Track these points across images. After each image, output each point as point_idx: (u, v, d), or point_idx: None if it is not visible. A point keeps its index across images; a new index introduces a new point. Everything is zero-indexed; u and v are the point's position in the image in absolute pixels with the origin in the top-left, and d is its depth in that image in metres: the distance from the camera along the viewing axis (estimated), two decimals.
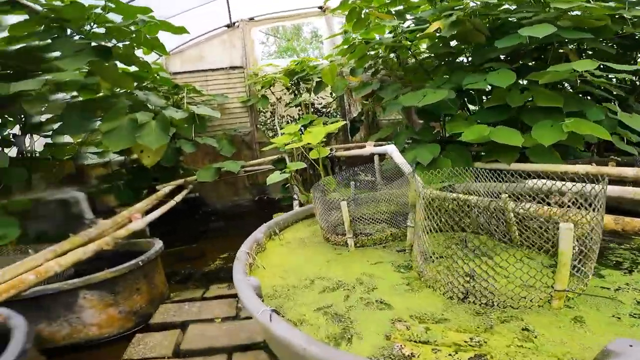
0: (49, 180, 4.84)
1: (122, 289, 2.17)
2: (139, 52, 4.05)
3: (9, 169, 3.26)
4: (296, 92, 6.49)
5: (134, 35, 3.28)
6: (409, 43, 4.20)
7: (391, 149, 2.40)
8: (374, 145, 3.33)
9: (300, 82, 6.22)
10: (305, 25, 12.88)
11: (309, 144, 3.50)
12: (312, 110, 6.16)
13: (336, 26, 6.79)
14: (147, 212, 3.41)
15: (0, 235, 2.85)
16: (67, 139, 5.21)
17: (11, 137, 3.93)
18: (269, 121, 6.63)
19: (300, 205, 3.89)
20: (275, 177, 3.05)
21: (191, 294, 2.62)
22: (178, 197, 4.03)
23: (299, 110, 6.60)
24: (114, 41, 3.34)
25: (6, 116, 3.81)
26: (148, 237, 5.15)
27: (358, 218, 2.19)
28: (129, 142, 3.13)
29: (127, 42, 3.34)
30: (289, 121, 6.53)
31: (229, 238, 4.57)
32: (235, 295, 2.51)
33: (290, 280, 1.80)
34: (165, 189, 4.04)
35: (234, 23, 6.49)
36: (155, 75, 4.74)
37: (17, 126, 3.78)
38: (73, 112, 3.28)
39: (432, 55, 4.26)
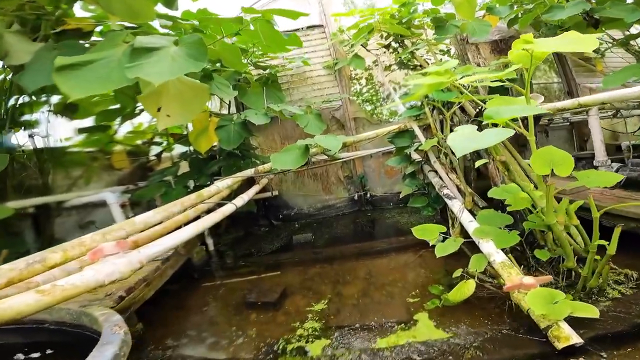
0: (87, 178, 3.55)
1: None
2: None
3: None
4: (399, 48, 4.43)
5: None
6: None
7: None
8: None
9: (403, 38, 4.18)
10: None
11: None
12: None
13: None
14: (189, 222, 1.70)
15: None
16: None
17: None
18: (365, 90, 4.67)
19: (472, 213, 1.86)
20: (479, 139, 1.06)
21: None
22: (239, 200, 2.27)
23: (406, 74, 4.57)
24: None
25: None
26: (211, 251, 3.58)
27: None
28: (108, 82, 1.40)
29: None
30: (396, 89, 4.50)
31: (325, 265, 2.69)
32: None
33: None
34: (219, 184, 2.30)
35: None
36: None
37: None
38: (47, 54, 1.68)
39: None
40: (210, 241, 3.48)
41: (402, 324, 1.63)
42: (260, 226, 4.15)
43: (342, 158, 4.03)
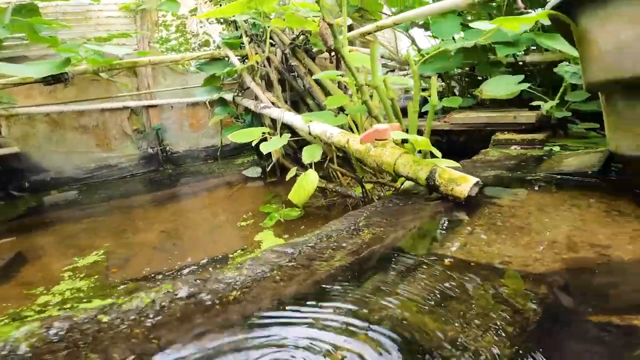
0: None
1: None
2: None
3: None
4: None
5: None
6: None
7: None
8: None
9: None
10: None
11: None
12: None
13: None
14: None
15: None
16: None
17: None
18: (172, 37, 3.75)
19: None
20: None
21: None
22: None
23: (223, 28, 3.84)
24: None
25: None
26: None
27: None
28: None
29: None
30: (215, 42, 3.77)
31: (100, 217, 1.75)
32: None
33: None
34: None
35: None
36: None
37: None
38: None
39: None
40: None
41: (240, 250, 1.06)
42: None
43: (127, 102, 2.98)
